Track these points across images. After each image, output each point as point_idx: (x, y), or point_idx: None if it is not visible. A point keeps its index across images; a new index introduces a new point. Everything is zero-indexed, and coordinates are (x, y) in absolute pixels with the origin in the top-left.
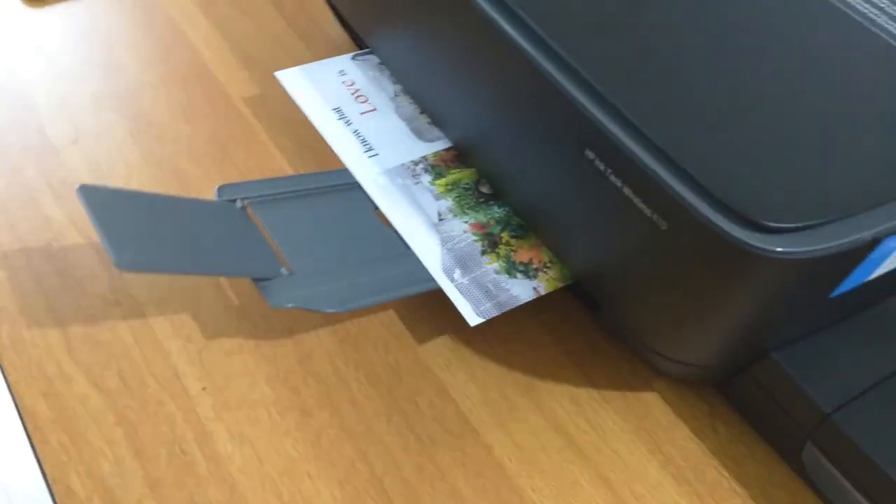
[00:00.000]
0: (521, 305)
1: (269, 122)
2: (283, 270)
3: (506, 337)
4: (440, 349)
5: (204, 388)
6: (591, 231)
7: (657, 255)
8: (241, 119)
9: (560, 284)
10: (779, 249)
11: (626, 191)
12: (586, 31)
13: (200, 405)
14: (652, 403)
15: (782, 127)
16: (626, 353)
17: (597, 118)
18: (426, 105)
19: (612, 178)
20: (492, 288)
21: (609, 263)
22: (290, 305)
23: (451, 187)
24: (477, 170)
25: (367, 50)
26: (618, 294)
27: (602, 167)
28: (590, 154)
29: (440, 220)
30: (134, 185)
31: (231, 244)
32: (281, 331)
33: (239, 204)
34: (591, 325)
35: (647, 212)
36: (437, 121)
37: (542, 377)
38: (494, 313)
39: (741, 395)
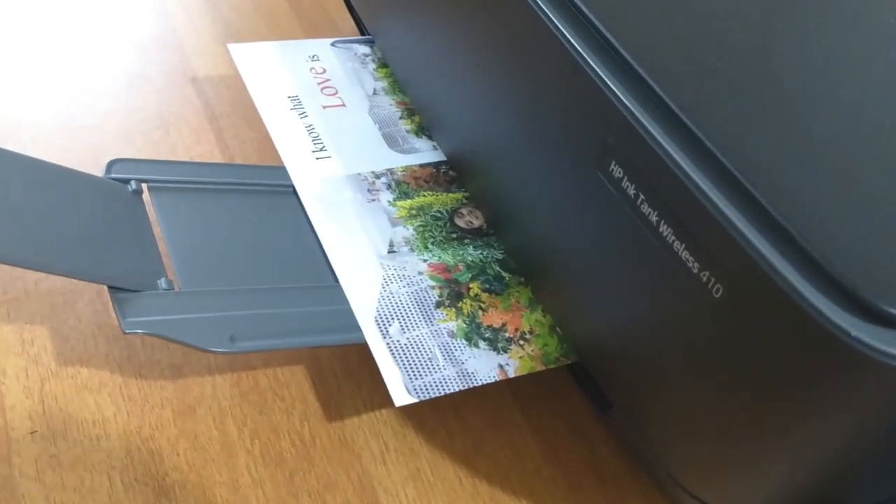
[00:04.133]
0: (478, 387)
1: (234, 107)
2: (162, 282)
3: (473, 425)
4: (377, 428)
5: (33, 433)
6: (607, 288)
7: (702, 337)
8: (201, 99)
9: (539, 367)
10: None
11: (664, 228)
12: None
13: (20, 455)
14: None
15: None
16: (644, 479)
17: (630, 112)
18: (427, 104)
19: (644, 206)
20: (439, 356)
21: (627, 342)
22: (141, 331)
23: (417, 213)
24: (473, 191)
25: (352, 38)
26: (636, 392)
27: (631, 189)
28: (616, 170)
29: (391, 251)
30: (38, 152)
31: (104, 237)
32: (165, 368)
33: (132, 186)
34: (597, 427)
35: (694, 267)
36: (434, 125)
37: (516, 494)
38: (434, 394)
39: None
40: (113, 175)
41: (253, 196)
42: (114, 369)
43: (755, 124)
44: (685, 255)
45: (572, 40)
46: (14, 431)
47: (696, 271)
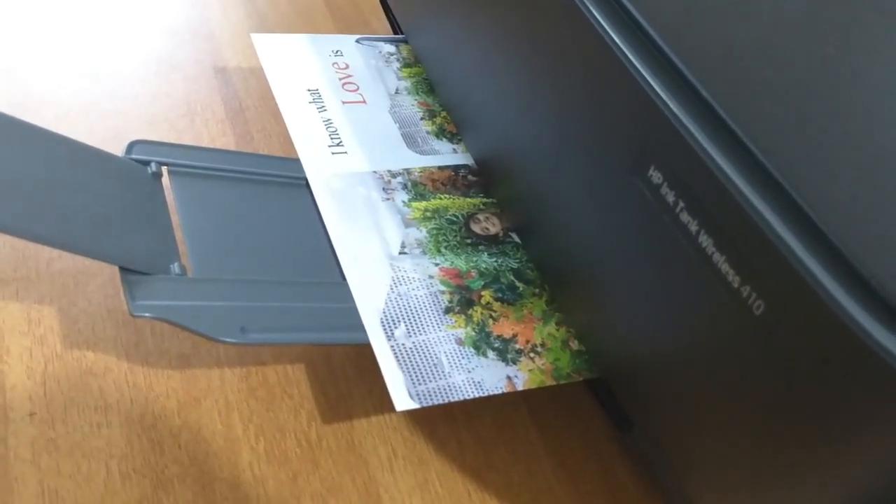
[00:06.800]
0: (493, 400)
1: (262, 100)
2: (175, 267)
3: (485, 438)
4: (386, 434)
5: (32, 415)
6: (636, 301)
7: (739, 356)
8: (229, 90)
9: (549, 382)
10: None
11: (703, 238)
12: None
13: (17, 436)
14: None
15: None
16: None
17: (674, 114)
18: (460, 104)
19: (683, 214)
20: (445, 363)
21: (654, 358)
22: (149, 315)
23: (432, 215)
24: (500, 196)
25: (378, 36)
26: (661, 412)
27: (671, 196)
28: (655, 176)
29: (402, 252)
30: (61, 132)
31: (120, 217)
32: (173, 358)
33: (152, 168)
34: (614, 448)
35: (735, 281)
36: (465, 126)
37: None
38: (437, 400)
39: None
40: (133, 156)
41: (271, 187)
42: (120, 355)
43: (807, 132)
44: (725, 267)
45: (615, 37)
46: (13, 412)
47: (736, 286)
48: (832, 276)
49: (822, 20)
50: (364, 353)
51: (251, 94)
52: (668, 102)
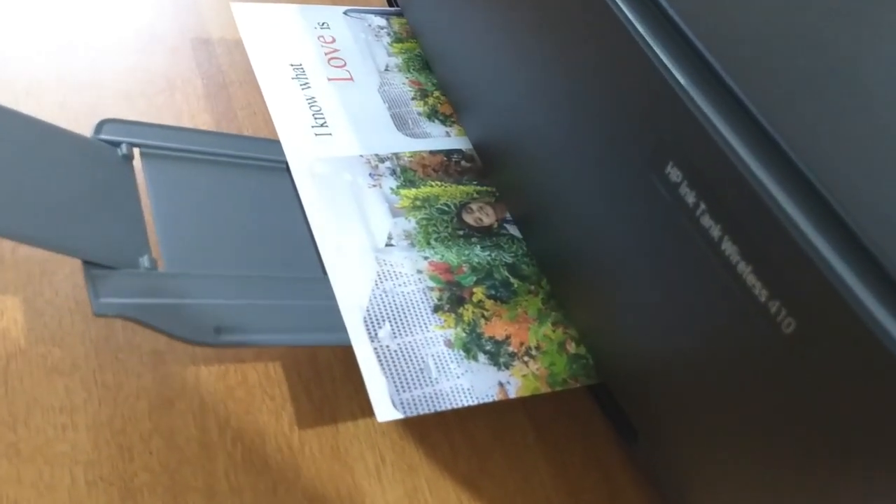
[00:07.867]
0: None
1: (247, 75)
2: (145, 260)
3: (479, 443)
4: (374, 439)
5: None
6: (647, 307)
7: (763, 377)
8: (213, 64)
9: (544, 388)
10: None
11: (727, 245)
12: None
13: None
14: None
15: None
16: None
17: (699, 109)
18: (460, 83)
19: (705, 218)
20: (432, 367)
21: (664, 370)
22: (114, 314)
23: (422, 204)
24: (500, 184)
25: (369, 8)
26: (669, 426)
27: (690, 197)
28: (674, 173)
29: (389, 244)
30: (30, 107)
31: (84, 205)
32: (145, 354)
33: (123, 150)
34: (616, 455)
35: (762, 294)
36: (464, 107)
37: None
38: (423, 410)
39: None
40: (102, 136)
41: (251, 171)
42: (89, 351)
43: (845, 129)
44: (751, 279)
45: (633, 19)
46: None
47: (763, 300)
48: (874, 294)
49: (856, 6)
50: (352, 351)
51: (235, 69)
52: (690, 92)
